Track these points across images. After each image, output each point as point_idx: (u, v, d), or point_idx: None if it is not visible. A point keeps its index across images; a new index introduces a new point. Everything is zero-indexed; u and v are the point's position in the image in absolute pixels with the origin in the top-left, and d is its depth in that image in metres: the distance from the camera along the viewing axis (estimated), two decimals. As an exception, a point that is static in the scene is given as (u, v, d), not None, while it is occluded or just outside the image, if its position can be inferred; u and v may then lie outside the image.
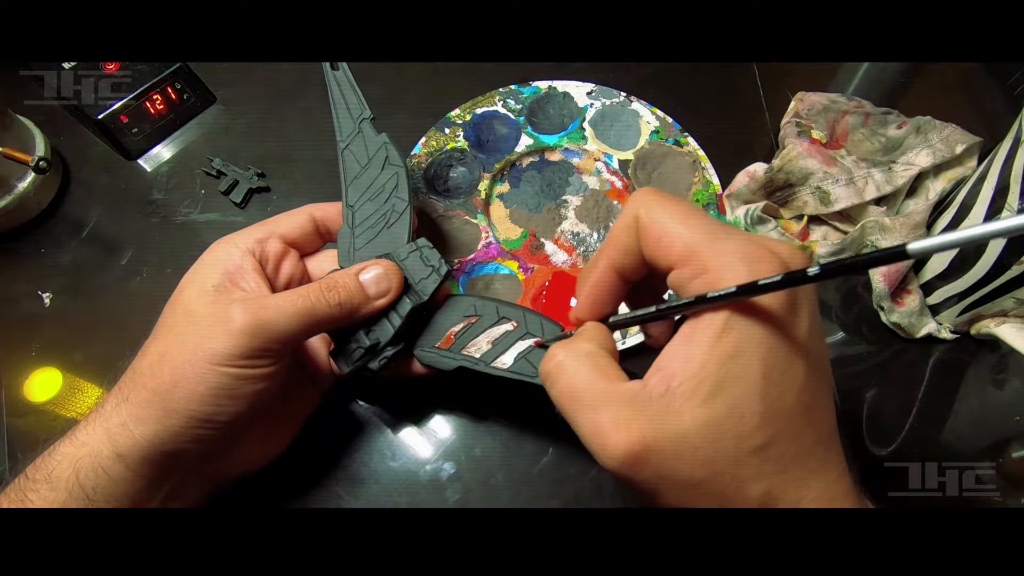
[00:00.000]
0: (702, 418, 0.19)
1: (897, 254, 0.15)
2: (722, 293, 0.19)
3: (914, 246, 0.15)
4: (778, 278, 0.18)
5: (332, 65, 0.36)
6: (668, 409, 0.19)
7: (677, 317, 0.23)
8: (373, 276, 0.30)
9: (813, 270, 0.18)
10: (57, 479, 0.25)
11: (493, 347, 0.31)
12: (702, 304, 0.20)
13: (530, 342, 0.31)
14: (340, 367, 0.31)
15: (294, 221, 0.32)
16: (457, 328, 0.32)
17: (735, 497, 0.20)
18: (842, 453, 0.21)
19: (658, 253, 0.22)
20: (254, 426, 0.30)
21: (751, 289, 0.19)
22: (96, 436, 0.25)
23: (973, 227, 0.15)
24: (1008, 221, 0.14)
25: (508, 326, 0.31)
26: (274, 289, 0.30)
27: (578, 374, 0.21)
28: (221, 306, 0.27)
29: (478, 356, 0.31)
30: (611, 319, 0.25)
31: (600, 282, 0.24)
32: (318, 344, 0.34)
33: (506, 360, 0.30)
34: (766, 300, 0.20)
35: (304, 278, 0.33)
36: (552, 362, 0.22)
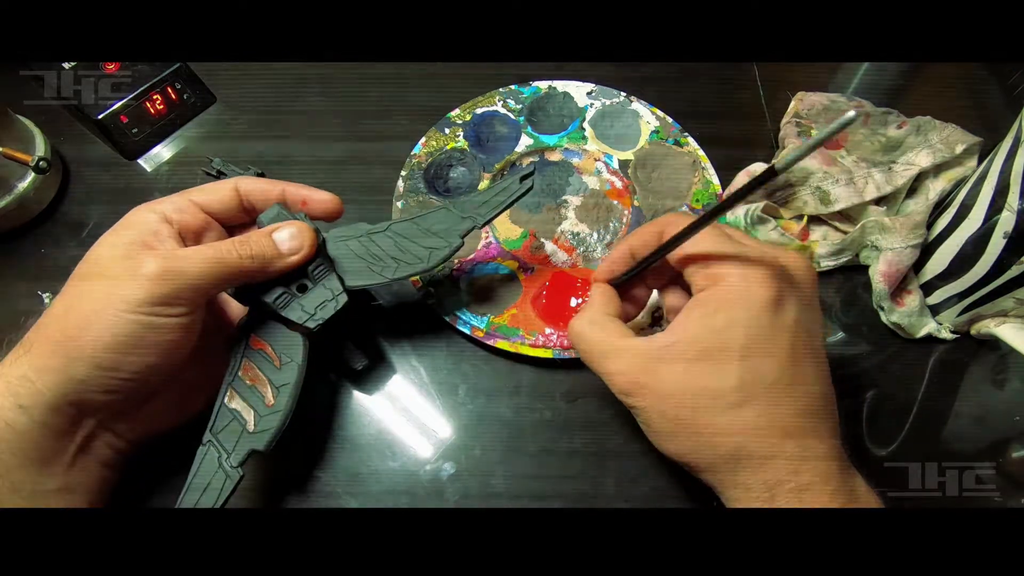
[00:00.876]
0: (691, 369, 0.25)
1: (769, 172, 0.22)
2: (700, 216, 0.25)
3: (780, 164, 0.21)
4: (743, 185, 0.25)
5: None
6: (666, 358, 0.26)
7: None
8: (286, 233, 0.30)
9: (762, 166, 0.26)
10: None
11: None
12: (690, 234, 0.26)
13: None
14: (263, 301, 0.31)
15: (214, 192, 0.32)
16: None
17: (710, 442, 0.25)
18: (834, 429, 0.26)
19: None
20: (168, 384, 0.29)
21: (722, 206, 0.24)
22: None
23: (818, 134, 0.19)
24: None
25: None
26: None
27: (593, 336, 0.29)
28: (132, 258, 0.27)
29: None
30: (623, 275, 0.31)
31: (619, 256, 0.31)
32: (238, 309, 0.34)
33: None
34: (754, 291, 0.25)
35: None
36: (574, 331, 0.30)
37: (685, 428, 0.25)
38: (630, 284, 0.32)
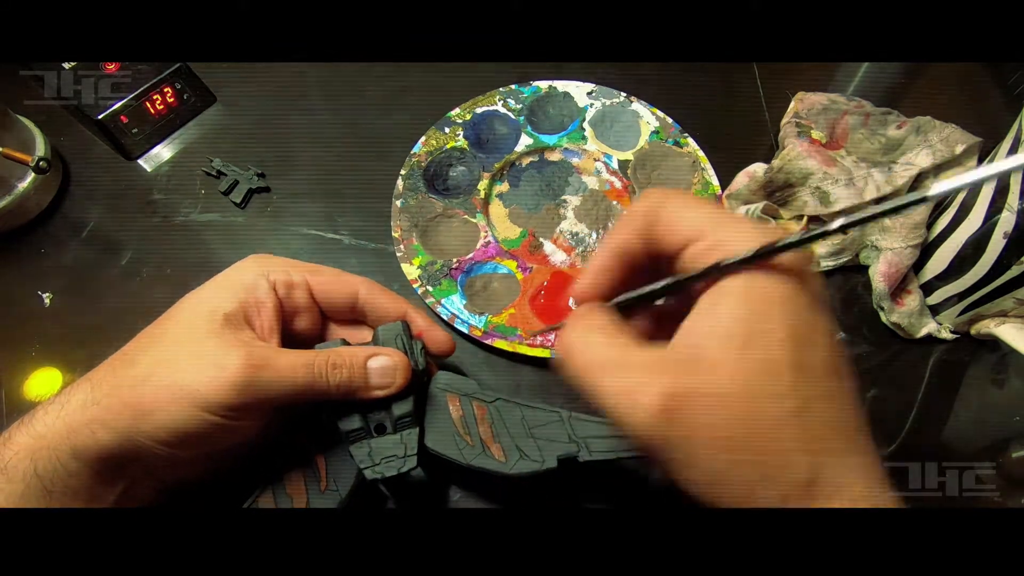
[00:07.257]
0: (737, 372, 0.18)
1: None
2: (740, 258, 0.19)
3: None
4: (796, 237, 0.18)
5: None
6: (700, 363, 0.19)
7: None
8: (381, 366, 0.29)
9: (835, 223, 0.19)
10: (14, 470, 0.25)
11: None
12: (719, 272, 0.20)
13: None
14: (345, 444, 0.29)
15: (333, 286, 0.31)
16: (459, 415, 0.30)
17: (779, 469, 0.18)
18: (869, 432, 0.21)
19: (671, 233, 0.22)
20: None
21: (770, 251, 0.19)
22: (55, 430, 0.25)
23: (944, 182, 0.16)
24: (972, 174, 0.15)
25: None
26: (288, 331, 0.30)
27: (593, 347, 0.21)
28: (223, 348, 0.26)
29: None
30: (619, 298, 0.24)
31: (605, 264, 0.23)
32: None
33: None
34: (784, 263, 0.19)
35: (316, 335, 0.32)
36: (565, 341, 0.22)
37: (743, 461, 0.19)
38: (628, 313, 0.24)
